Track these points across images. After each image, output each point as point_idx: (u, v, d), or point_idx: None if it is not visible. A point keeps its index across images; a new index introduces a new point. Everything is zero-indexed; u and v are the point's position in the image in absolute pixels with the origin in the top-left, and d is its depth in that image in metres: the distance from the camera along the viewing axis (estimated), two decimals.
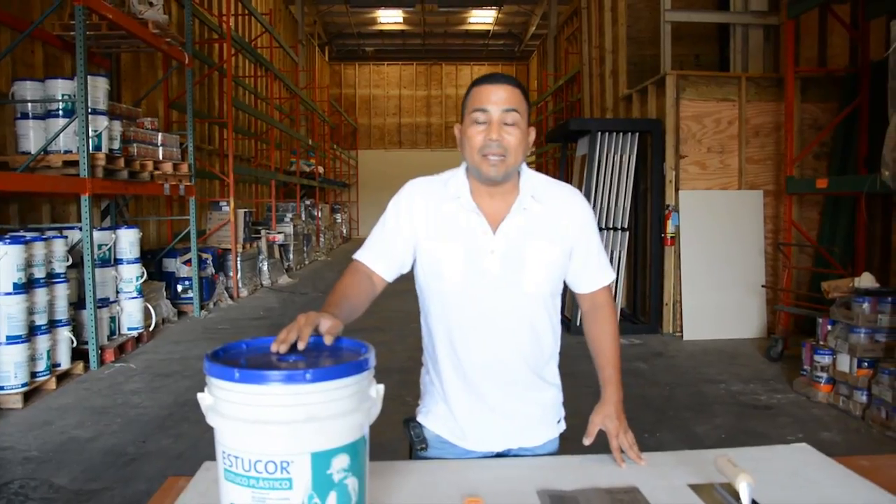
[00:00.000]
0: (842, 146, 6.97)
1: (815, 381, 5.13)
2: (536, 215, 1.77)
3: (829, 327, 5.11)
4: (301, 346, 1.36)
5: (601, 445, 1.79)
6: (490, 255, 1.74)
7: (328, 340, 1.40)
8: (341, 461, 1.24)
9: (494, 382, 1.80)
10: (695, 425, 4.60)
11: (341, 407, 1.23)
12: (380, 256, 1.79)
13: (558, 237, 1.79)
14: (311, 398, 1.20)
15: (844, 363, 4.88)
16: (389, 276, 1.81)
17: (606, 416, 1.81)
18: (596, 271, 1.88)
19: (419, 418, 1.88)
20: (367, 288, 1.76)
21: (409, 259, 1.81)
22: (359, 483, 1.28)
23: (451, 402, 1.82)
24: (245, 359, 1.36)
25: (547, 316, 1.83)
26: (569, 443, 1.90)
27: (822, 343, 5.15)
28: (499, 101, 1.70)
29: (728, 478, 1.55)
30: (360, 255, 1.81)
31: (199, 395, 1.27)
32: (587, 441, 1.79)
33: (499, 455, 1.86)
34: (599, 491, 1.61)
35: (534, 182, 1.80)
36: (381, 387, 1.35)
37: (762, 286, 7.07)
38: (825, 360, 5.05)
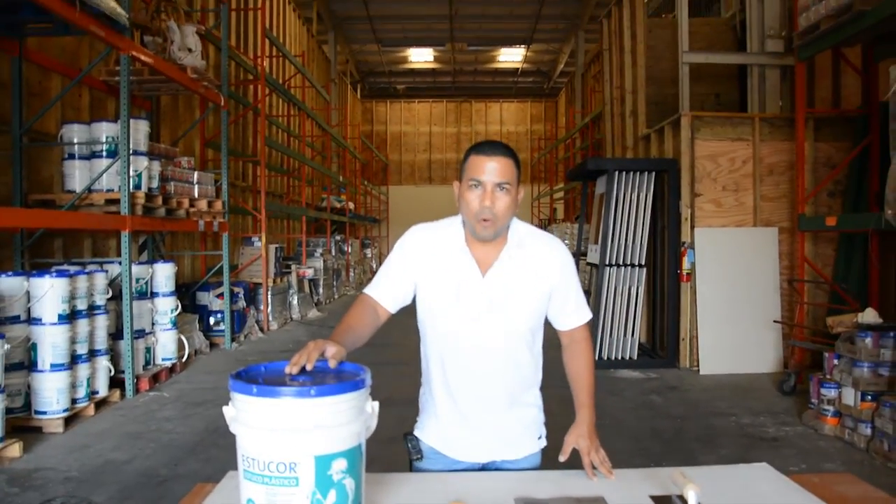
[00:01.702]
0: (855, 184, 7.12)
1: (822, 415, 5.25)
2: (521, 262, 2.04)
3: (836, 361, 5.25)
4: (309, 367, 1.63)
5: (578, 463, 2.01)
6: (479, 295, 2.01)
7: (332, 364, 1.68)
8: (340, 464, 1.49)
9: (479, 404, 2.06)
10: (700, 456, 4.74)
11: (340, 418, 1.50)
12: (386, 291, 2.08)
13: (540, 281, 2.06)
14: (314, 410, 1.47)
15: (849, 396, 5.00)
16: (393, 308, 2.09)
17: (580, 436, 2.04)
18: (574, 311, 2.14)
19: (416, 432, 2.15)
20: (372, 319, 2.04)
21: (411, 294, 2.09)
22: (355, 484, 1.53)
23: (442, 418, 2.09)
24: (262, 378, 1.63)
25: (527, 349, 2.10)
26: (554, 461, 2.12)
27: (828, 377, 5.28)
28: (492, 172, 1.95)
29: (679, 488, 1.78)
30: (368, 290, 2.10)
31: (224, 409, 1.55)
32: (562, 458, 2.04)
33: (484, 466, 2.11)
34: (569, 499, 1.83)
35: (520, 232, 2.08)
36: (377, 403, 1.62)
37: (774, 321, 7.19)
38: (831, 393, 5.18)
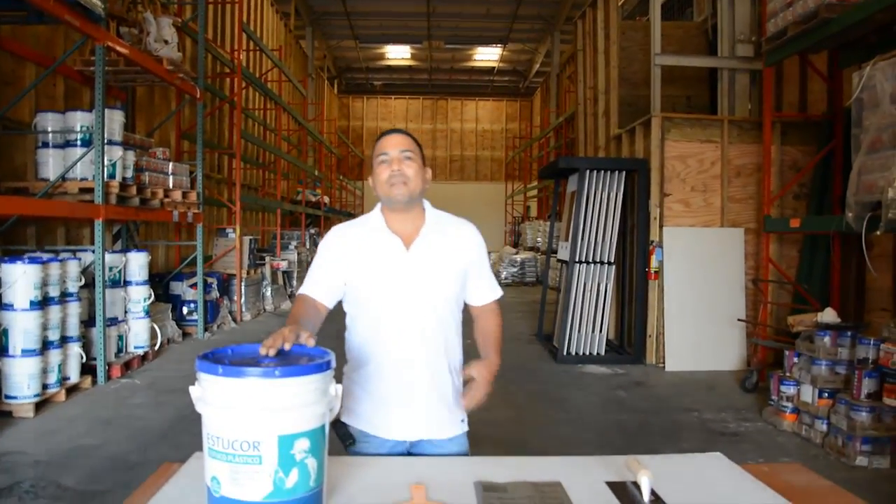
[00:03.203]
0: (819, 187, 7.29)
1: (781, 411, 5.40)
2: (441, 238, 2.23)
3: (795, 359, 5.39)
4: (287, 347, 1.72)
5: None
6: (405, 268, 2.16)
7: (311, 344, 1.76)
8: (303, 444, 1.55)
9: (411, 376, 2.17)
10: (662, 449, 4.85)
11: (304, 399, 1.56)
12: (320, 288, 2.20)
13: (458, 256, 2.25)
14: (278, 391, 1.53)
15: (807, 394, 5.15)
16: (330, 302, 2.22)
17: (482, 367, 2.16)
18: (488, 288, 2.35)
19: (343, 418, 2.22)
20: (315, 315, 2.15)
21: (342, 286, 2.21)
22: (318, 464, 1.59)
23: (374, 398, 2.19)
24: (229, 360, 1.69)
25: (454, 322, 2.25)
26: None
27: (788, 374, 5.43)
28: (395, 145, 2.19)
29: (633, 474, 1.86)
30: (304, 290, 2.22)
31: (191, 388, 1.60)
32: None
33: (412, 445, 2.21)
34: (526, 484, 1.90)
35: (437, 214, 2.28)
36: (340, 386, 1.68)
37: (739, 320, 7.35)
38: (790, 390, 5.33)
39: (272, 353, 1.68)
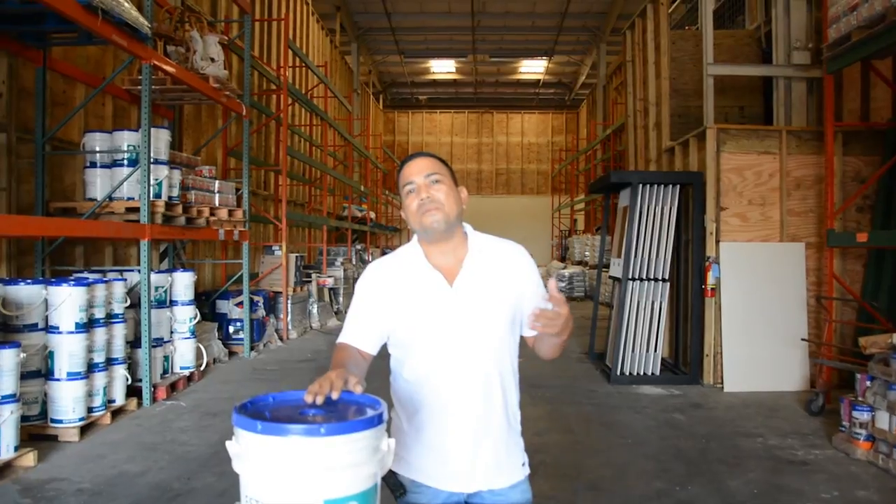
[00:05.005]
0: (885, 199, 6.95)
1: (853, 438, 5.09)
2: (487, 267, 2.01)
3: (868, 383, 5.08)
4: (335, 395, 1.56)
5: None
6: (451, 306, 1.96)
7: (358, 390, 1.60)
8: None
9: (468, 425, 1.97)
10: (728, 479, 4.60)
11: (353, 458, 1.40)
12: (361, 334, 2.02)
13: (509, 284, 2.02)
14: (325, 450, 1.37)
15: (883, 420, 4.84)
16: (373, 348, 2.03)
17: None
18: None
19: (393, 467, 2.02)
20: (360, 363, 1.97)
21: (387, 328, 2.02)
22: None
23: (425, 446, 1.99)
24: (270, 412, 1.53)
25: (509, 358, 2.04)
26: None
27: (860, 399, 5.12)
28: (420, 170, 2.00)
29: None
30: (344, 338, 2.03)
31: (228, 444, 1.46)
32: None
33: (469, 497, 2.00)
34: None
35: (480, 240, 2.06)
36: (392, 441, 1.52)
37: (802, 339, 7.02)
38: (864, 416, 5.02)
39: (319, 400, 1.53)
